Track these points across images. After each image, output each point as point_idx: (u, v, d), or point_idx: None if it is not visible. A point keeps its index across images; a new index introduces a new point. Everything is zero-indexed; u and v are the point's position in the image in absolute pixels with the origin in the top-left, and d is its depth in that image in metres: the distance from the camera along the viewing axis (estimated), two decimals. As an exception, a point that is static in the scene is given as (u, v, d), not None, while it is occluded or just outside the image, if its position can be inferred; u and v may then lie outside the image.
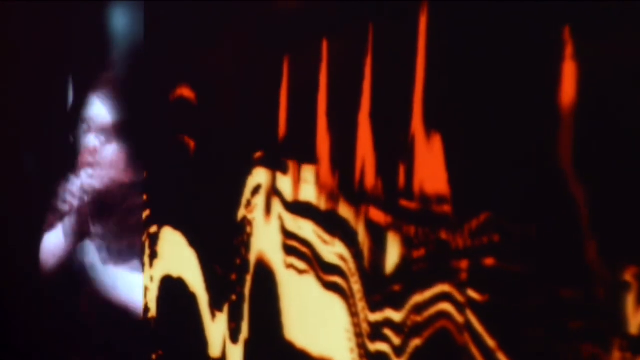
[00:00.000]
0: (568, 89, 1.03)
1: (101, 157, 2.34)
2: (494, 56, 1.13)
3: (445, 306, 1.18)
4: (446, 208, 1.19)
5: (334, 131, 1.40)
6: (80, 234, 2.54)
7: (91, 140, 2.37)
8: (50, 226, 2.68)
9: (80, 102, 2.50)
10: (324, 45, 1.40)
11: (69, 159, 2.55)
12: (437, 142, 1.21)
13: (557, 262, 1.04)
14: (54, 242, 2.67)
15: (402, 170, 1.27)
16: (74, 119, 2.49)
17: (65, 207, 2.62)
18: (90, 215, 2.48)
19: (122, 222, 2.27)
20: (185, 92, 1.84)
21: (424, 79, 1.23)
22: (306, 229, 1.42)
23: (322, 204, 1.38)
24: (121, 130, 2.35)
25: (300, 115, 1.45)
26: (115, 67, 2.36)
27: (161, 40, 1.87)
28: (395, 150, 1.28)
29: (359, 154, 1.36)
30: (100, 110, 2.36)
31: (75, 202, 2.55)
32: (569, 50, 1.03)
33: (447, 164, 1.20)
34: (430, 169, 1.23)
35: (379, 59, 1.30)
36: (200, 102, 1.79)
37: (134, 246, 2.22)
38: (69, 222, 2.59)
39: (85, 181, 2.43)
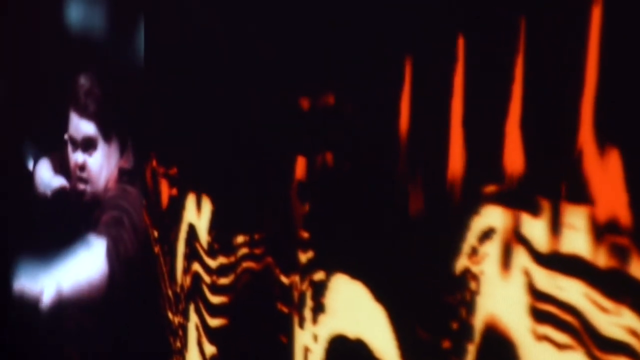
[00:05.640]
0: None
1: (90, 171, 2.62)
2: None
3: None
4: None
5: (471, 144, 1.21)
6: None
7: (78, 156, 2.59)
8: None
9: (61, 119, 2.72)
10: (460, 43, 1.20)
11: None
12: (614, 158, 0.98)
13: None
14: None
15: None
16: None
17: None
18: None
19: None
20: (331, 100, 1.57)
21: (596, 79, 0.99)
22: (571, 290, 1.08)
23: (601, 259, 1.04)
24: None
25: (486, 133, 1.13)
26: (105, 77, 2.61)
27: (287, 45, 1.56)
28: (557, 167, 1.06)
29: (507, 172, 1.14)
30: (80, 124, 2.59)
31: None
32: None
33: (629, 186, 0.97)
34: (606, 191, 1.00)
35: (534, 57, 1.08)
36: (352, 113, 1.51)
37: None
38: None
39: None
